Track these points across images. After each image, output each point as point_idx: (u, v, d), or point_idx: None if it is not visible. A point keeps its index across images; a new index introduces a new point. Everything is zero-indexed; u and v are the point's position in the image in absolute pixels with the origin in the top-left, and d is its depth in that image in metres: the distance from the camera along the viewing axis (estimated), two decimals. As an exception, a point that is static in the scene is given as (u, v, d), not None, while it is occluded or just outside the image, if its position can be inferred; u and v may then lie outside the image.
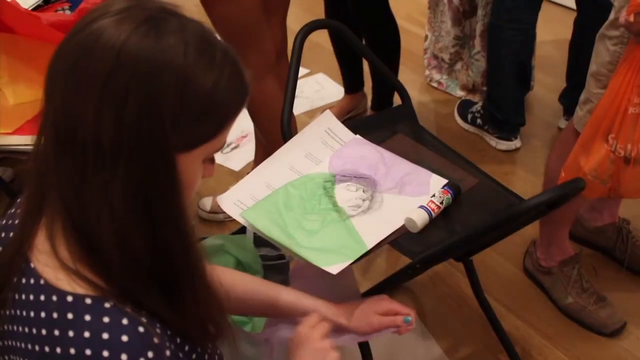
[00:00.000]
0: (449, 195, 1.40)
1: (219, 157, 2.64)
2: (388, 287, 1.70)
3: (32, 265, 0.83)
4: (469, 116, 2.76)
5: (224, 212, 1.40)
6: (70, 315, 0.78)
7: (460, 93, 2.98)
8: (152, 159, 0.76)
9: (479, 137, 2.73)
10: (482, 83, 2.90)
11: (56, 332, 0.78)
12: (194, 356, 0.88)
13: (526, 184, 2.45)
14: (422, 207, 1.37)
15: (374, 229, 1.34)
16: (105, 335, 0.76)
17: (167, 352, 0.79)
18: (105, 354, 0.75)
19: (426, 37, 3.06)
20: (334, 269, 1.23)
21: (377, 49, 2.50)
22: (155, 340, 0.78)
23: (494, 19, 2.48)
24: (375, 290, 1.58)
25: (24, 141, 1.67)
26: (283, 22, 2.00)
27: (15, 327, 0.83)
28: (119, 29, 0.74)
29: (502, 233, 1.47)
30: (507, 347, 1.82)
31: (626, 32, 1.48)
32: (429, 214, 1.36)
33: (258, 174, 1.47)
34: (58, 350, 0.77)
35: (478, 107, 2.74)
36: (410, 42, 3.39)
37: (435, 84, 3.05)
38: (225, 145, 2.69)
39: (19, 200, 0.91)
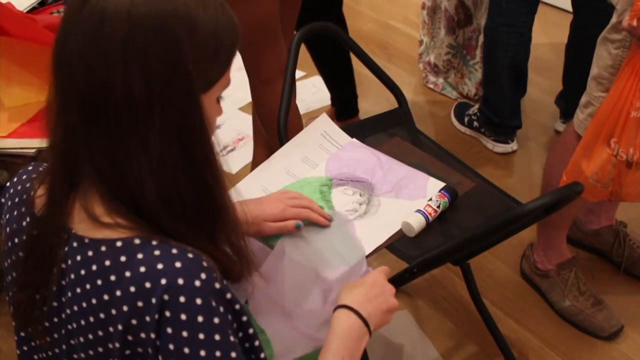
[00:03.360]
0: (446, 199, 1.40)
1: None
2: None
3: (73, 231, 0.86)
4: (466, 119, 2.75)
5: None
6: (123, 258, 0.82)
7: (456, 94, 2.99)
8: (183, 103, 0.82)
9: (475, 139, 2.73)
10: (476, 94, 2.91)
11: (112, 278, 0.82)
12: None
13: (523, 186, 2.45)
14: (418, 211, 1.36)
15: (371, 233, 1.33)
16: (159, 266, 0.80)
17: (215, 274, 0.83)
18: (163, 281, 0.79)
19: (421, 41, 3.06)
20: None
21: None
22: (205, 263, 0.82)
23: (489, 21, 2.48)
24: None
25: (19, 144, 1.66)
26: (293, 26, 1.99)
27: (69, 294, 0.86)
28: None
29: (499, 237, 1.47)
30: (504, 351, 1.82)
31: (628, 36, 1.48)
32: (426, 218, 1.36)
33: (255, 177, 1.46)
34: (118, 293, 0.81)
35: (475, 109, 2.74)
36: (407, 45, 3.39)
37: (431, 85, 3.05)
38: (222, 147, 2.70)
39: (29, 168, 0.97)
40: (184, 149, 0.83)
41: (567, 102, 2.60)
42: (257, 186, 1.43)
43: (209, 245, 0.88)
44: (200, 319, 0.80)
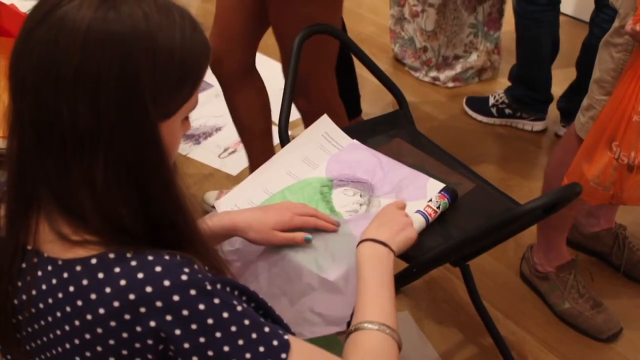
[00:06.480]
0: (446, 200, 1.40)
1: (216, 162, 2.64)
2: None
3: (46, 255, 0.83)
4: (493, 110, 2.76)
5: None
6: (100, 275, 0.79)
7: (451, 85, 3.07)
8: (136, 137, 0.78)
9: (475, 142, 2.74)
10: (496, 52, 3.03)
11: (93, 296, 0.79)
12: None
13: (522, 190, 2.46)
14: (418, 211, 1.37)
15: (371, 233, 1.34)
16: (140, 275, 0.78)
17: (197, 265, 0.82)
18: (149, 289, 0.78)
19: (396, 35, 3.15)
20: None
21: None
22: (181, 259, 0.81)
23: (530, 5, 2.55)
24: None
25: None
26: None
27: (49, 318, 0.83)
28: (79, 14, 0.75)
29: (498, 237, 1.47)
30: (503, 352, 1.82)
31: (631, 40, 1.48)
32: (426, 218, 1.36)
33: (255, 178, 1.47)
34: (101, 311, 0.78)
35: (499, 98, 2.77)
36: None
37: (425, 78, 3.12)
38: (223, 150, 2.70)
39: None
40: (136, 182, 0.80)
41: (569, 103, 2.62)
42: (258, 187, 1.43)
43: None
44: (201, 306, 0.79)
